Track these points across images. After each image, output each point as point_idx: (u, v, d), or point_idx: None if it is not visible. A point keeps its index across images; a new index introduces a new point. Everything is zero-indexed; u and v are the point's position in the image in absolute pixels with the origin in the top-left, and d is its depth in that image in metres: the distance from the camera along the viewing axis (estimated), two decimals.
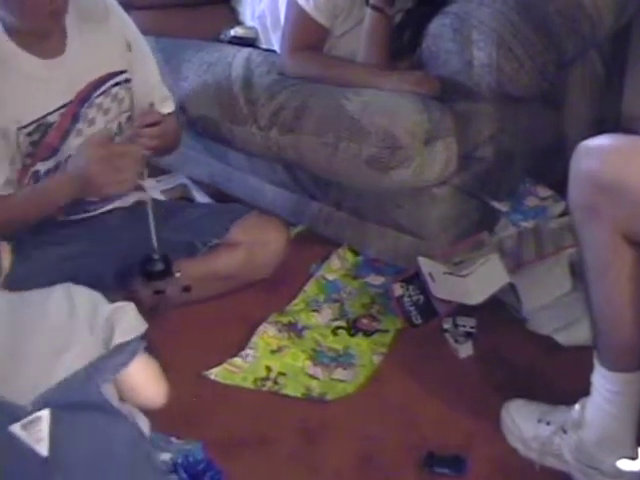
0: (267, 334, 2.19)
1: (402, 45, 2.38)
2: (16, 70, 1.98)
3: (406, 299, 2.21)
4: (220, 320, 2.25)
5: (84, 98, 2.05)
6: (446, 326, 2.17)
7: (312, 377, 2.08)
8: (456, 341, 2.14)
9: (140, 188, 2.23)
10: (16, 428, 1.16)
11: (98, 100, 2.07)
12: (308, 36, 2.37)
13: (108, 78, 2.09)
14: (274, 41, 2.56)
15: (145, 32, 2.25)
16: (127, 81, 2.12)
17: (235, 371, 2.10)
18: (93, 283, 1.96)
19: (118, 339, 1.31)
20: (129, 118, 2.16)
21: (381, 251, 2.43)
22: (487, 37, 2.09)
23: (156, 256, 2.05)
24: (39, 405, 1.18)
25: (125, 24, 2.17)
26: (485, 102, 2.19)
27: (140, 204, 2.20)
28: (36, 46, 1.98)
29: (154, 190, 2.58)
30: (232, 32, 2.66)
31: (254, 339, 2.19)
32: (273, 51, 2.54)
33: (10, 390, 1.17)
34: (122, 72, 2.11)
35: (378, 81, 2.25)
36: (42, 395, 1.19)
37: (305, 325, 2.23)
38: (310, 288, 2.36)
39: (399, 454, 1.89)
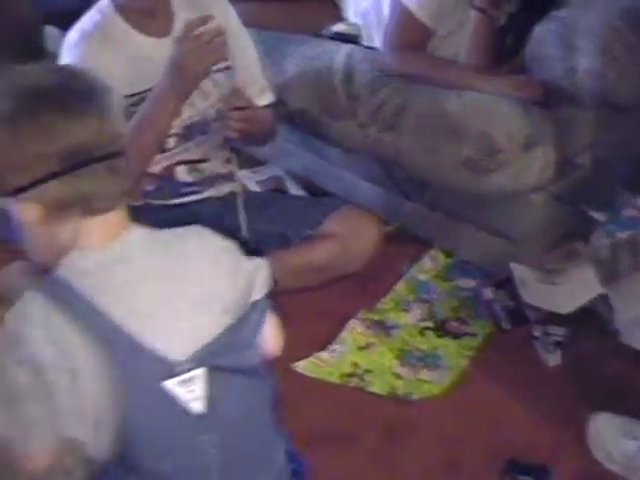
0: (356, 330, 2.20)
1: (505, 48, 2.37)
2: (124, 46, 2.04)
3: (496, 304, 2.20)
4: (309, 313, 2.25)
5: None
6: (536, 333, 2.15)
7: (398, 376, 2.08)
8: (545, 349, 2.12)
9: (233, 178, 2.27)
10: (171, 384, 1.17)
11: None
12: (411, 35, 2.37)
13: (205, 75, 2.12)
14: (376, 39, 2.56)
15: (248, 24, 2.28)
16: (228, 68, 2.15)
17: (321, 365, 2.12)
18: None
19: (255, 296, 1.31)
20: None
21: (473, 254, 2.42)
22: (592, 44, 2.06)
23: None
24: (194, 362, 1.18)
25: (228, 14, 2.20)
26: (586, 109, 2.16)
27: (233, 194, 2.23)
28: (144, 25, 2.05)
29: (249, 181, 2.61)
30: (335, 28, 2.68)
31: (343, 334, 2.20)
32: (374, 48, 2.55)
33: (163, 343, 1.17)
34: (225, 59, 2.14)
35: (480, 83, 2.24)
36: (197, 352, 1.19)
37: (394, 324, 2.24)
38: (400, 287, 2.36)
39: (482, 458, 1.88)
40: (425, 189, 2.43)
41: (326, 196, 2.60)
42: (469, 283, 2.36)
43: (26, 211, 1.20)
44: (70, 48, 2.05)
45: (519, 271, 2.16)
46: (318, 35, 2.68)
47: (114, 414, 1.13)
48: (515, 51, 2.33)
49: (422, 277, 2.39)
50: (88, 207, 1.20)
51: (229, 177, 2.28)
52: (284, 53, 2.56)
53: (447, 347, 2.17)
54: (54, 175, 1.16)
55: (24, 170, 1.17)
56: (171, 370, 1.17)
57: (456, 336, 2.20)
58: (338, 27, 2.68)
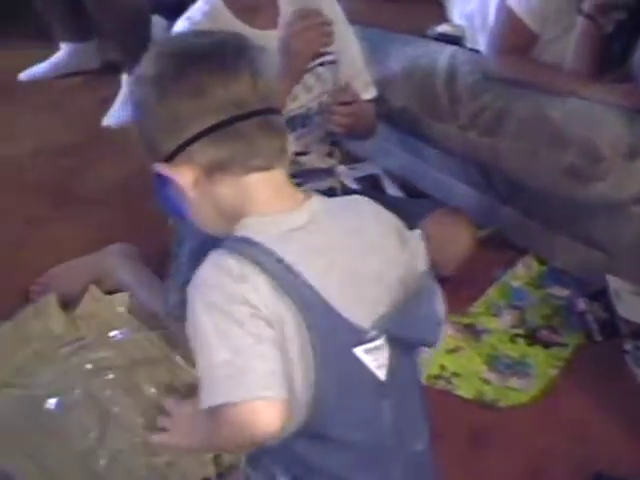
0: (445, 333, 2.20)
1: (611, 56, 2.33)
2: None
3: (589, 315, 2.17)
4: None
5: None
6: (627, 347, 2.11)
7: (486, 382, 2.07)
8: (636, 364, 2.08)
9: (333, 174, 2.29)
10: (360, 351, 1.18)
11: (303, 77, 2.13)
12: (516, 39, 2.35)
13: (314, 57, 2.14)
14: (481, 41, 2.55)
15: (353, 21, 2.29)
16: (332, 62, 2.17)
17: None
18: None
19: (421, 267, 1.32)
20: None
21: (568, 263, 2.38)
22: None
23: None
24: (380, 331, 1.20)
25: (334, 9, 2.21)
26: None
27: (332, 190, 2.25)
28: (250, 18, 2.07)
29: (347, 177, 2.62)
30: (439, 29, 2.67)
31: None
32: (478, 51, 2.54)
33: (352, 311, 1.17)
34: (329, 53, 2.15)
35: (584, 91, 2.21)
36: (380, 320, 1.20)
37: (484, 329, 2.22)
38: (493, 292, 2.34)
39: (567, 470, 1.86)
40: (523, 195, 2.40)
41: (422, 197, 2.60)
42: (562, 292, 2.33)
43: (183, 175, 1.20)
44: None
45: (615, 283, 2.12)
46: (422, 35, 2.68)
47: (308, 378, 1.16)
48: (622, 59, 2.29)
49: (515, 283, 2.37)
50: (246, 165, 1.19)
51: (329, 172, 2.29)
52: (388, 52, 2.57)
53: (537, 356, 2.15)
54: (209, 130, 1.16)
55: (179, 130, 1.17)
56: (360, 337, 1.18)
57: (546, 345, 2.18)
58: (443, 28, 2.67)
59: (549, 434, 1.94)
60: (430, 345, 1.31)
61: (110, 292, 2.24)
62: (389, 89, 2.48)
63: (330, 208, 1.26)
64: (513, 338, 2.20)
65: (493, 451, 1.90)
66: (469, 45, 2.60)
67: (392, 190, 2.69)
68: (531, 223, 2.44)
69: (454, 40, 2.61)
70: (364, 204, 1.31)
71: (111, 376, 1.84)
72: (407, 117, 2.48)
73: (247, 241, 1.17)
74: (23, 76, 3.54)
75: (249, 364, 1.11)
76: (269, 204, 1.21)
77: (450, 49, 2.50)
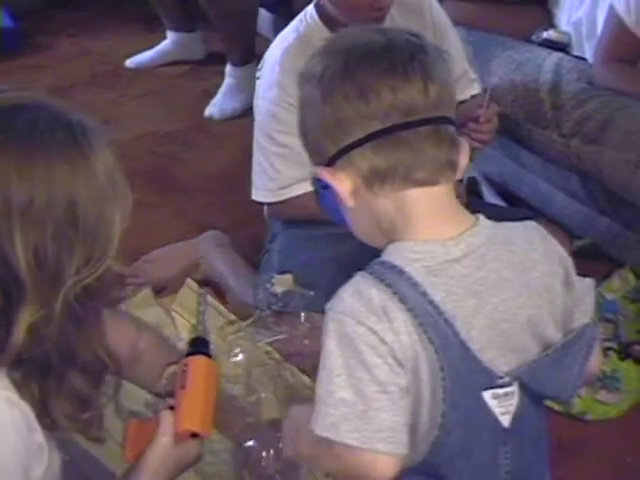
0: None
1: None
2: None
3: None
4: None
5: None
6: None
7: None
8: None
9: None
10: (488, 395, 1.13)
11: None
12: (624, 49, 2.32)
13: None
14: (587, 49, 2.52)
15: (456, 23, 2.28)
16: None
17: None
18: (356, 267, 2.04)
19: (582, 319, 1.21)
20: None
21: None
22: None
23: None
24: (513, 378, 1.14)
25: (436, 11, 2.20)
26: None
27: None
28: None
29: None
30: (545, 34, 2.64)
31: None
32: (584, 59, 2.50)
33: (490, 355, 1.12)
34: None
35: None
36: (519, 369, 1.14)
37: None
38: None
39: None
40: (623, 207, 2.36)
41: (519, 203, 2.57)
42: None
43: (342, 182, 1.14)
44: (275, 61, 2.08)
45: None
46: (527, 40, 2.65)
47: (435, 419, 1.11)
48: None
49: (609, 296, 2.33)
50: (408, 177, 1.12)
51: None
52: (492, 55, 2.55)
53: (628, 371, 2.11)
54: (373, 136, 1.11)
55: (341, 133, 1.13)
56: (491, 382, 1.13)
57: (638, 360, 2.14)
58: (549, 34, 2.63)
59: (637, 449, 1.92)
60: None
61: (203, 280, 2.28)
62: (492, 95, 2.46)
63: (497, 236, 1.16)
64: (605, 352, 2.16)
65: (579, 464, 1.88)
66: (575, 52, 2.56)
67: (490, 195, 2.67)
68: (629, 236, 2.40)
69: (560, 47, 2.58)
70: (536, 234, 1.22)
71: None
72: (509, 123, 2.46)
73: (395, 270, 1.10)
74: (129, 63, 3.61)
75: (370, 413, 1.07)
76: (426, 226, 1.13)
77: (555, 56, 2.47)
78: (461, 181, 2.23)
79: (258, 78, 2.14)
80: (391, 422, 1.08)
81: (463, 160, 1.17)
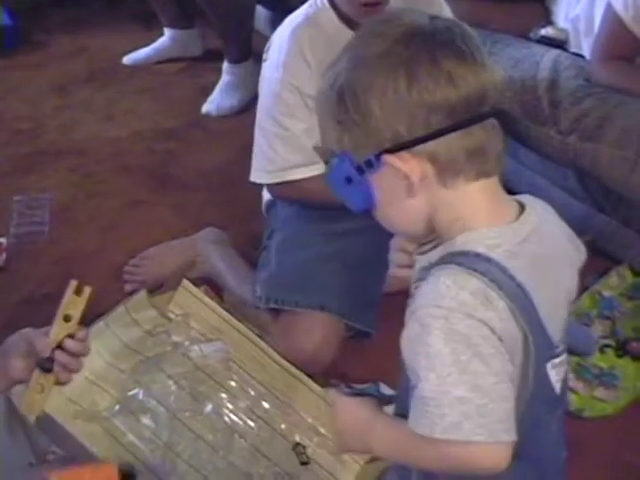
0: None
1: None
2: (336, 42, 2.06)
3: None
4: None
5: None
6: None
7: (573, 390, 2.04)
8: None
9: None
10: (549, 366, 1.14)
11: None
12: (622, 46, 2.32)
13: None
14: (584, 46, 2.51)
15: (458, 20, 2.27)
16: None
17: None
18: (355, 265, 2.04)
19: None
20: None
21: None
22: None
23: None
24: (563, 345, 1.17)
25: (444, 11, 2.20)
26: None
27: None
28: (356, 23, 2.05)
29: None
30: (543, 31, 2.64)
31: None
32: (581, 56, 2.50)
33: (551, 327, 1.13)
34: None
35: None
36: (562, 336, 1.17)
37: None
38: (584, 301, 2.31)
39: None
40: (620, 204, 2.36)
41: None
42: None
43: (413, 170, 1.09)
44: (282, 40, 2.09)
45: None
46: (525, 37, 2.65)
47: (523, 397, 1.12)
48: None
49: (607, 293, 2.33)
50: (480, 169, 1.10)
51: None
52: (491, 52, 2.54)
53: (626, 367, 2.11)
54: (458, 126, 1.07)
55: (426, 120, 1.07)
56: (552, 352, 1.15)
57: (636, 357, 2.14)
58: (546, 31, 2.64)
59: (634, 447, 1.92)
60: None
61: (201, 277, 2.28)
62: None
63: (540, 213, 1.19)
64: (603, 349, 2.17)
65: (577, 461, 1.85)
66: (572, 49, 2.56)
67: None
68: (627, 233, 2.40)
69: (557, 44, 2.58)
70: (546, 205, 1.25)
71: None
72: (507, 119, 2.44)
73: (482, 258, 1.09)
74: (126, 60, 3.60)
75: (491, 405, 1.06)
76: (491, 214, 1.13)
77: (553, 52, 2.47)
78: None
79: (265, 60, 2.13)
80: (509, 410, 1.08)
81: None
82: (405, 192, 1.11)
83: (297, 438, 1.82)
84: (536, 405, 1.14)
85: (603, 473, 1.86)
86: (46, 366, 1.47)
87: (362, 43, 1.14)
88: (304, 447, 1.80)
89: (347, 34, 2.05)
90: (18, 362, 1.48)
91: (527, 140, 2.45)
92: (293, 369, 1.88)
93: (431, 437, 1.07)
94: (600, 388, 2.06)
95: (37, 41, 3.79)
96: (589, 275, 2.38)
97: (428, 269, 1.13)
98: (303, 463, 1.79)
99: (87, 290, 1.54)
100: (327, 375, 2.01)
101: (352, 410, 1.25)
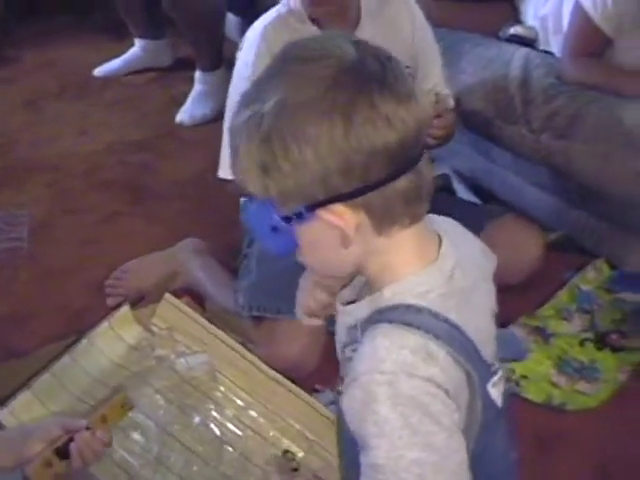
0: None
1: None
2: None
3: None
4: None
5: None
6: None
7: (555, 385, 2.07)
8: None
9: None
10: (489, 386, 1.11)
11: None
12: (591, 43, 2.35)
13: None
14: (553, 44, 2.54)
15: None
16: (410, 75, 2.17)
17: None
18: None
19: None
20: None
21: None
22: None
23: None
24: (497, 361, 1.15)
25: (414, 13, 2.21)
26: None
27: None
28: (329, 23, 2.05)
29: None
30: (512, 30, 2.66)
31: None
32: (551, 53, 2.53)
33: (484, 350, 1.11)
34: (406, 67, 2.15)
35: None
36: (495, 352, 1.15)
37: (553, 332, 2.21)
38: (562, 296, 2.33)
39: (637, 475, 1.86)
40: (594, 198, 2.39)
41: (491, 199, 2.59)
42: (633, 297, 2.30)
43: (347, 221, 1.01)
44: (253, 40, 2.10)
45: None
46: (494, 36, 2.67)
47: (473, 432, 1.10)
48: None
49: (584, 287, 2.36)
50: (415, 213, 1.04)
51: None
52: (460, 52, 2.57)
53: (606, 360, 2.14)
54: (401, 171, 1.00)
55: (366, 169, 0.99)
56: (490, 372, 1.12)
57: (616, 349, 2.17)
58: (515, 29, 2.66)
59: (618, 439, 1.94)
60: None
61: (183, 288, 2.28)
62: (463, 92, 2.48)
63: (452, 237, 1.13)
64: (582, 342, 2.19)
65: (560, 455, 1.90)
66: (542, 47, 2.59)
67: (462, 191, 2.69)
68: (602, 226, 2.42)
69: (527, 42, 2.60)
70: (450, 220, 1.19)
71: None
72: (479, 119, 2.48)
73: (413, 309, 1.04)
74: (97, 72, 3.60)
75: (443, 462, 1.03)
76: (419, 256, 1.08)
77: (523, 51, 2.49)
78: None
79: (237, 60, 2.15)
80: (462, 460, 1.06)
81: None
82: (338, 242, 1.04)
83: (286, 445, 1.83)
84: (484, 426, 1.12)
85: (589, 466, 1.87)
86: (64, 454, 1.45)
87: (289, 86, 1.01)
88: (293, 453, 1.82)
89: (310, 29, 2.07)
90: (40, 446, 1.44)
91: (500, 140, 2.47)
92: (278, 376, 1.89)
93: None
94: (582, 382, 2.08)
95: (6, 56, 3.78)
96: (566, 270, 2.42)
97: (356, 329, 1.09)
98: (293, 469, 1.80)
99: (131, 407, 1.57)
100: (312, 380, 2.02)
101: None
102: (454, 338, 1.05)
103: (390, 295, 1.06)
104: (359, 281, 1.18)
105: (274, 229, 1.04)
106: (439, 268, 1.08)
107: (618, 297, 2.32)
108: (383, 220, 1.03)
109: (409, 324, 1.03)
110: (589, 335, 2.21)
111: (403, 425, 1.01)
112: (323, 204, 1.01)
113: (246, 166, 1.03)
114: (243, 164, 1.04)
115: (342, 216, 1.01)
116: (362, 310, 1.09)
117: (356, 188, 0.99)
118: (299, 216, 1.02)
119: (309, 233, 1.04)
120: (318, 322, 1.29)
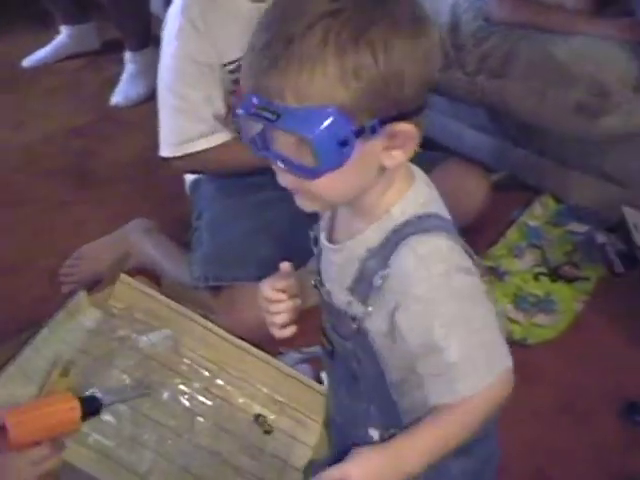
0: None
1: None
2: (228, 9, 2.07)
3: (609, 247, 2.21)
4: None
5: None
6: None
7: (513, 321, 2.10)
8: None
9: None
10: None
11: None
12: None
13: None
14: None
15: None
16: None
17: None
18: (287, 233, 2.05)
19: None
20: None
21: (584, 199, 2.40)
22: None
23: None
24: None
25: None
26: None
27: None
28: None
29: None
30: None
31: None
32: None
33: None
34: None
35: (586, 27, 2.22)
36: None
37: (506, 270, 2.25)
38: (511, 234, 2.37)
39: (598, 401, 1.91)
40: (534, 135, 2.42)
41: (431, 145, 2.60)
42: (581, 228, 2.35)
43: (412, 136, 1.01)
44: (175, 14, 2.09)
45: (632, 216, 2.15)
46: None
47: None
48: None
49: (532, 223, 2.39)
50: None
51: None
52: None
53: (561, 292, 2.18)
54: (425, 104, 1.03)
55: (421, 90, 1.01)
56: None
57: (569, 280, 2.21)
58: None
59: (578, 368, 1.99)
60: None
61: (137, 268, 2.28)
62: None
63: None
64: (537, 276, 2.23)
65: (523, 388, 1.90)
66: None
67: None
68: (544, 163, 2.46)
69: None
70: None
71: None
72: None
73: (428, 217, 1.08)
74: (26, 62, 3.55)
75: (498, 338, 1.11)
76: (409, 175, 1.11)
77: None
78: None
79: (162, 38, 2.15)
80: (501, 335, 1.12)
81: None
82: (377, 167, 1.04)
83: (257, 409, 1.85)
84: None
85: (550, 394, 1.92)
86: None
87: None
88: (265, 417, 1.83)
89: (242, 2, 2.06)
90: None
91: (436, 86, 2.48)
92: (242, 343, 1.90)
93: (472, 394, 1.09)
94: (540, 315, 2.12)
95: None
96: (513, 209, 2.45)
97: (373, 257, 1.08)
98: (266, 432, 1.82)
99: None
100: (275, 343, 2.03)
101: (367, 472, 1.11)
102: (458, 235, 1.09)
103: (399, 214, 1.08)
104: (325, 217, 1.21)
105: (342, 143, 0.98)
106: (421, 180, 1.12)
107: (567, 229, 2.37)
108: (416, 139, 1.03)
109: (430, 230, 1.06)
110: (542, 269, 2.25)
111: (464, 317, 1.07)
112: (396, 119, 0.99)
113: (327, 81, 0.96)
114: (321, 81, 0.96)
115: (410, 132, 1.01)
116: (371, 237, 1.09)
117: (418, 106, 1.01)
118: (373, 130, 0.99)
119: (365, 152, 1.00)
120: (293, 329, 1.30)
